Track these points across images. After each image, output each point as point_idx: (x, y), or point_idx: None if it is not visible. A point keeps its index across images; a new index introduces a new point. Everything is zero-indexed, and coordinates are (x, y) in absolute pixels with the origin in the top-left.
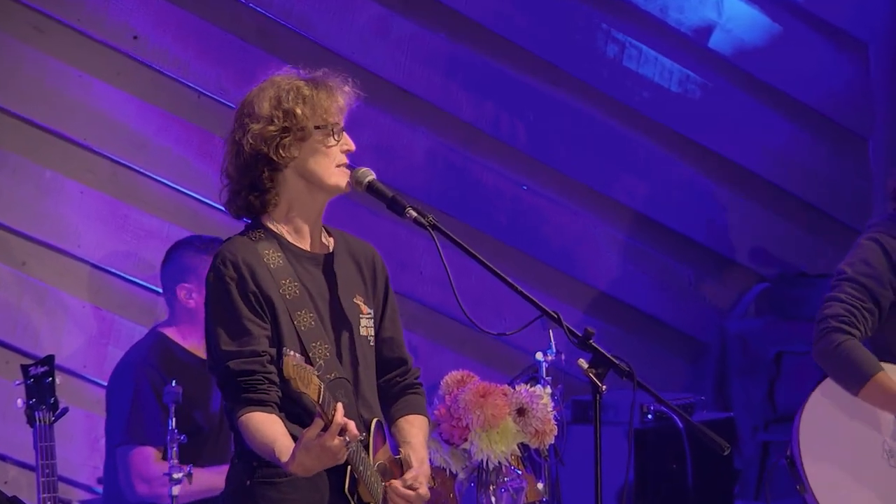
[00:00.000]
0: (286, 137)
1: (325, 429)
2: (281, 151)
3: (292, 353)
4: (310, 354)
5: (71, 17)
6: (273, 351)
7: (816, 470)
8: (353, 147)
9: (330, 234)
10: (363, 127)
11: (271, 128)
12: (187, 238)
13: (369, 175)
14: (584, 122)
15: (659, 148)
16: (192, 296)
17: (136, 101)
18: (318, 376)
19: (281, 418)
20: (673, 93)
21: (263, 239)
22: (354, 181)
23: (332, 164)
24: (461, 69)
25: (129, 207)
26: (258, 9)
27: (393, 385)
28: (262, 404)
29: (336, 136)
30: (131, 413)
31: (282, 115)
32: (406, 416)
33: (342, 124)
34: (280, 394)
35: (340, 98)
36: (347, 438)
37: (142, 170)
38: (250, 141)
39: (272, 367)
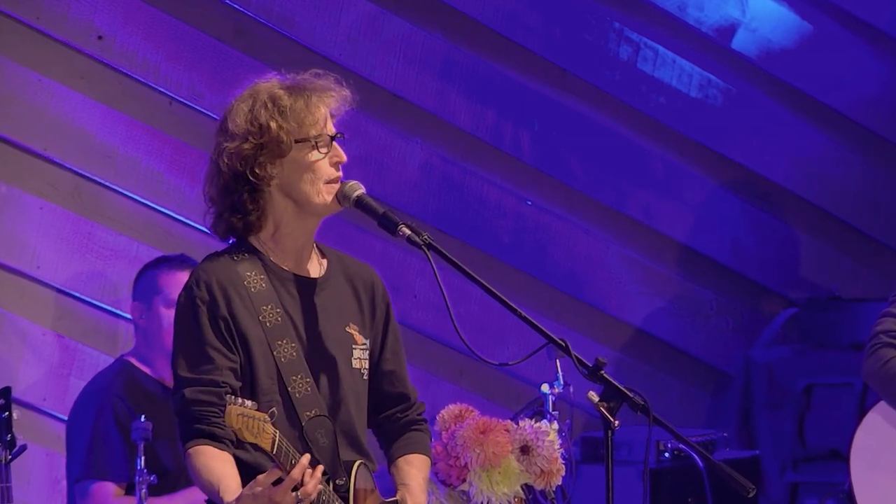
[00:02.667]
0: (263, 155)
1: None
2: (258, 171)
3: (239, 400)
4: (289, 389)
5: (29, 15)
6: (237, 384)
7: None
8: (344, 158)
9: (324, 255)
10: (351, 137)
11: (246, 146)
12: (157, 258)
13: (358, 189)
14: (595, 131)
15: (677, 159)
16: (143, 314)
17: (101, 107)
18: (271, 423)
19: (235, 456)
20: (692, 98)
21: (246, 259)
22: (342, 196)
23: (319, 180)
24: (459, 73)
25: (93, 225)
26: (235, 6)
27: (394, 421)
28: (213, 438)
29: (322, 149)
30: (91, 445)
31: (257, 130)
32: (406, 456)
33: (330, 134)
34: None
35: (326, 104)
36: (299, 496)
37: (108, 183)
38: (226, 160)
39: (223, 401)
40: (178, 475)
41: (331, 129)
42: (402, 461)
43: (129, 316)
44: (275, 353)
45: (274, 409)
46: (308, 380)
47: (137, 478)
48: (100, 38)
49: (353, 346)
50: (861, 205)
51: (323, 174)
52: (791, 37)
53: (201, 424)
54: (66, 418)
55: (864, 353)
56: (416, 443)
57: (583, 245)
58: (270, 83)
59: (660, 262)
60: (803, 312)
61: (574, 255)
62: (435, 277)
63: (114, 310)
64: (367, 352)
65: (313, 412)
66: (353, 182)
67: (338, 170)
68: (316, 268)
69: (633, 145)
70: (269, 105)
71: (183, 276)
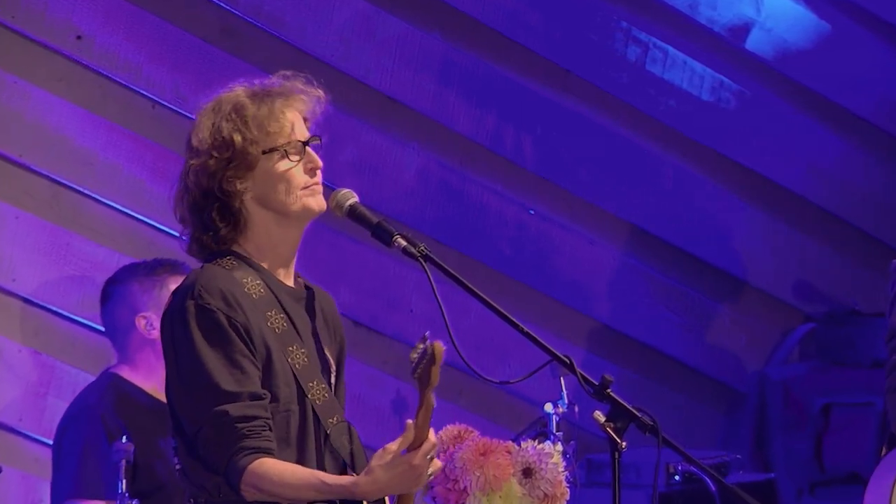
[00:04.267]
0: (230, 170)
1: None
2: (225, 186)
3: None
4: (308, 396)
5: (4, 13)
6: (267, 394)
7: None
8: (319, 163)
9: (299, 275)
10: (345, 142)
11: (212, 161)
12: (129, 266)
13: (351, 198)
14: (601, 135)
15: (687, 166)
16: (154, 325)
17: (80, 111)
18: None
19: None
20: (704, 102)
21: (238, 267)
22: (334, 205)
23: (294, 188)
24: (458, 74)
25: (72, 235)
26: (222, 4)
27: None
28: (269, 452)
29: (293, 157)
30: (82, 463)
31: (221, 145)
32: None
33: (302, 139)
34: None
35: (295, 109)
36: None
37: (87, 191)
38: (192, 178)
39: (268, 413)
40: (172, 490)
41: (302, 133)
42: None
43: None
44: (289, 359)
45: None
46: (323, 385)
47: (118, 501)
48: (79, 37)
49: (332, 369)
50: (882, 214)
51: (297, 182)
52: (808, 36)
53: (253, 440)
54: (43, 440)
55: (885, 371)
56: None
57: (588, 256)
58: (235, 92)
59: (669, 275)
60: (821, 328)
61: (579, 267)
62: (432, 291)
63: (94, 325)
64: (334, 375)
65: (335, 419)
66: (345, 190)
67: (314, 175)
68: (299, 284)
69: (641, 151)
70: (233, 116)
71: None
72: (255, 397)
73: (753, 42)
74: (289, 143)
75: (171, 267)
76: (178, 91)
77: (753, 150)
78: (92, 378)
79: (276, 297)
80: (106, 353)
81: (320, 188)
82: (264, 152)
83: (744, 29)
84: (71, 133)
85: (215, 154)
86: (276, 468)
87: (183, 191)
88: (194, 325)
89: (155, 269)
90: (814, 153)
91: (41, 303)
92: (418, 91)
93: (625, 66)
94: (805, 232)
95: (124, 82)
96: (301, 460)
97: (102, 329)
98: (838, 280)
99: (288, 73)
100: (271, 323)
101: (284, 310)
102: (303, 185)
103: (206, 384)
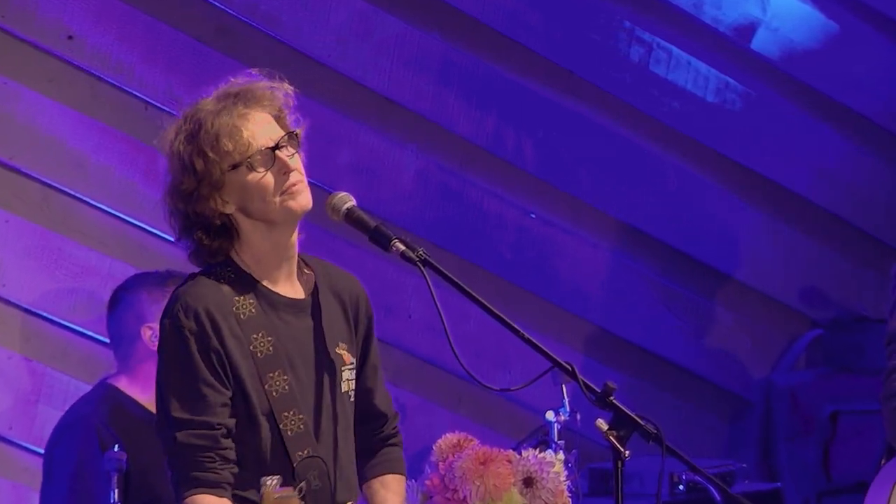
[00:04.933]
0: (201, 192)
1: None
2: (200, 209)
3: (272, 480)
4: (280, 426)
5: None
6: (231, 422)
7: None
8: (291, 167)
9: (308, 266)
10: (342, 144)
11: (183, 187)
12: (139, 274)
13: (348, 201)
14: (604, 137)
15: (692, 168)
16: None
17: (71, 112)
18: None
19: (232, 499)
20: (709, 103)
21: (234, 282)
22: (331, 208)
23: (270, 196)
24: (457, 75)
25: (63, 239)
26: (216, 3)
27: (368, 439)
28: (212, 486)
29: (259, 168)
30: (76, 477)
31: (185, 170)
32: (382, 477)
33: (270, 143)
34: (234, 470)
35: (257, 114)
36: None
37: (79, 194)
38: (169, 201)
39: (227, 443)
40: (168, 503)
41: (269, 138)
42: (377, 483)
43: (101, 338)
44: (266, 386)
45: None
46: (301, 416)
47: None
48: (70, 37)
49: (343, 368)
50: (890, 217)
51: (272, 190)
52: (815, 36)
53: (197, 471)
54: (34, 449)
55: (882, 377)
56: (390, 461)
57: (590, 261)
58: (195, 108)
59: (674, 279)
60: (828, 334)
61: (580, 271)
62: (431, 296)
63: (86, 331)
64: (354, 371)
65: (306, 452)
66: (342, 194)
67: (288, 176)
68: (302, 286)
69: (644, 152)
70: (191, 140)
71: None
72: (206, 426)
73: (759, 42)
74: (250, 156)
75: (182, 280)
76: (172, 92)
77: (758, 151)
78: (84, 386)
79: (268, 317)
80: (99, 360)
81: (300, 185)
82: (231, 168)
83: (749, 29)
84: (62, 135)
85: (183, 179)
86: None
87: (168, 212)
88: (164, 346)
89: (165, 280)
90: (820, 154)
91: (32, 308)
92: (417, 92)
93: (628, 67)
94: (811, 235)
95: (116, 83)
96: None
97: (97, 336)
98: (845, 285)
99: (253, 71)
100: (254, 347)
101: (274, 331)
102: (279, 191)
103: (162, 408)
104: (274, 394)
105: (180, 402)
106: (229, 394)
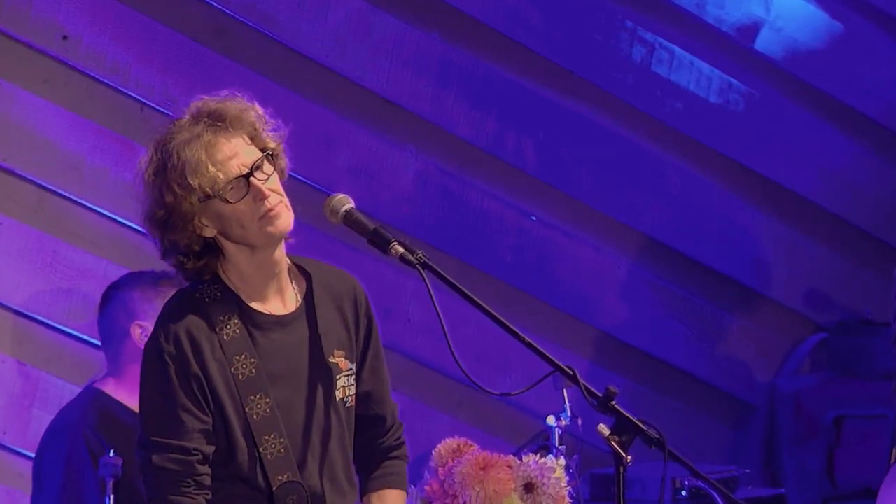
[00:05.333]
0: (174, 221)
1: None
2: (176, 237)
3: None
4: (259, 450)
5: None
6: (209, 449)
7: None
8: (265, 194)
9: (301, 271)
10: (340, 146)
11: (156, 215)
12: (133, 273)
13: (346, 203)
14: (605, 139)
15: (695, 170)
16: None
17: (66, 114)
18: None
19: None
20: (712, 104)
21: (220, 300)
22: (329, 211)
23: (248, 223)
24: (457, 76)
25: (58, 242)
26: (213, 3)
27: (370, 447)
28: None
29: (234, 197)
30: (65, 484)
31: (157, 201)
32: (380, 492)
33: (243, 170)
34: (208, 496)
35: (228, 142)
36: None
37: (74, 197)
38: (146, 226)
39: (203, 469)
40: None
41: (238, 167)
42: (375, 498)
43: (96, 342)
44: (247, 409)
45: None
46: (282, 440)
47: None
48: (64, 38)
49: (340, 375)
50: (895, 219)
51: (249, 217)
52: (820, 36)
53: (171, 495)
54: (28, 454)
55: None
56: (391, 474)
57: (592, 264)
58: (167, 134)
59: (676, 283)
60: (833, 337)
61: (583, 275)
62: (430, 299)
63: (80, 335)
64: (353, 376)
65: (285, 476)
66: (341, 196)
67: (268, 202)
68: (294, 295)
69: (646, 155)
70: (160, 172)
71: None
72: (182, 451)
73: (763, 42)
74: (221, 188)
75: (177, 282)
76: (168, 93)
77: (762, 153)
78: (78, 390)
79: (253, 337)
80: (93, 364)
81: (278, 208)
82: (203, 198)
83: (753, 28)
84: (56, 136)
85: (156, 209)
86: None
87: (150, 233)
88: (145, 368)
89: (160, 279)
90: (824, 156)
91: (26, 312)
92: (416, 93)
93: (630, 67)
94: (815, 238)
95: (112, 84)
96: None
97: (92, 340)
98: (849, 287)
99: (224, 93)
100: (236, 369)
101: (258, 352)
102: (257, 217)
103: (143, 429)
104: (254, 417)
105: (158, 425)
106: (209, 419)
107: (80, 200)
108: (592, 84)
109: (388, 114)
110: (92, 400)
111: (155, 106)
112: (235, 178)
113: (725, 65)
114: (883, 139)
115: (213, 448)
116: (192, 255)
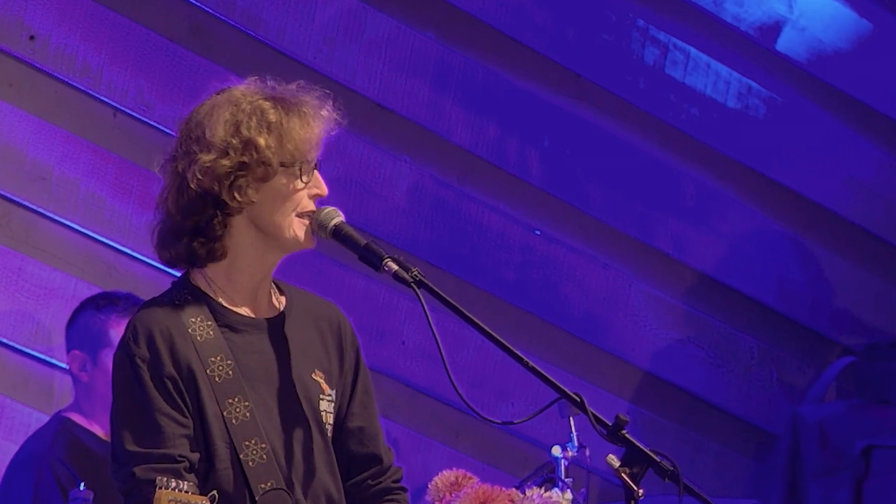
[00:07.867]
0: (243, 176)
1: None
2: (236, 194)
3: (172, 482)
4: (240, 457)
5: None
6: (194, 456)
7: None
8: (325, 192)
9: (282, 292)
10: (328, 154)
11: (225, 161)
12: (109, 293)
13: (336, 217)
14: (615, 147)
15: (711, 180)
16: (86, 367)
17: (33, 120)
18: None
19: None
20: (730, 109)
21: (191, 303)
22: (317, 225)
23: (293, 212)
24: (455, 79)
25: (24, 258)
26: (191, 0)
27: (365, 489)
28: None
29: (305, 178)
30: None
31: (240, 145)
32: None
33: (315, 161)
34: None
35: (317, 126)
36: None
37: (41, 210)
38: (198, 176)
39: (191, 478)
40: None
41: (313, 157)
42: None
43: (65, 366)
44: (225, 413)
45: (214, 492)
46: (263, 445)
47: None
48: (31, 38)
49: (322, 397)
50: None
51: (298, 205)
52: (846, 36)
53: None
54: None
55: None
56: None
57: (601, 282)
58: (249, 90)
59: (692, 303)
60: (861, 362)
61: (591, 295)
62: (427, 320)
63: (48, 359)
64: (334, 405)
65: (269, 484)
66: (330, 208)
67: (314, 204)
68: (273, 307)
69: (660, 165)
70: (258, 117)
71: None
72: (168, 459)
73: (785, 42)
74: (306, 162)
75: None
76: (143, 97)
77: (784, 162)
78: (46, 418)
79: (228, 339)
80: (62, 390)
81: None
82: (283, 165)
83: (774, 28)
84: (23, 144)
85: (231, 154)
86: None
87: (178, 186)
88: (116, 378)
89: (111, 302)
90: (851, 165)
91: None
92: (411, 97)
93: (642, 70)
94: (842, 253)
95: (82, 87)
96: None
97: (60, 364)
98: (879, 308)
99: (303, 83)
100: (212, 371)
101: (234, 354)
102: (301, 210)
103: (117, 443)
104: (234, 421)
105: (136, 435)
106: (190, 423)
107: (47, 213)
108: (601, 88)
109: (380, 120)
110: (60, 429)
111: (129, 111)
112: (313, 162)
113: (745, 67)
114: None
115: (197, 455)
116: (226, 220)
